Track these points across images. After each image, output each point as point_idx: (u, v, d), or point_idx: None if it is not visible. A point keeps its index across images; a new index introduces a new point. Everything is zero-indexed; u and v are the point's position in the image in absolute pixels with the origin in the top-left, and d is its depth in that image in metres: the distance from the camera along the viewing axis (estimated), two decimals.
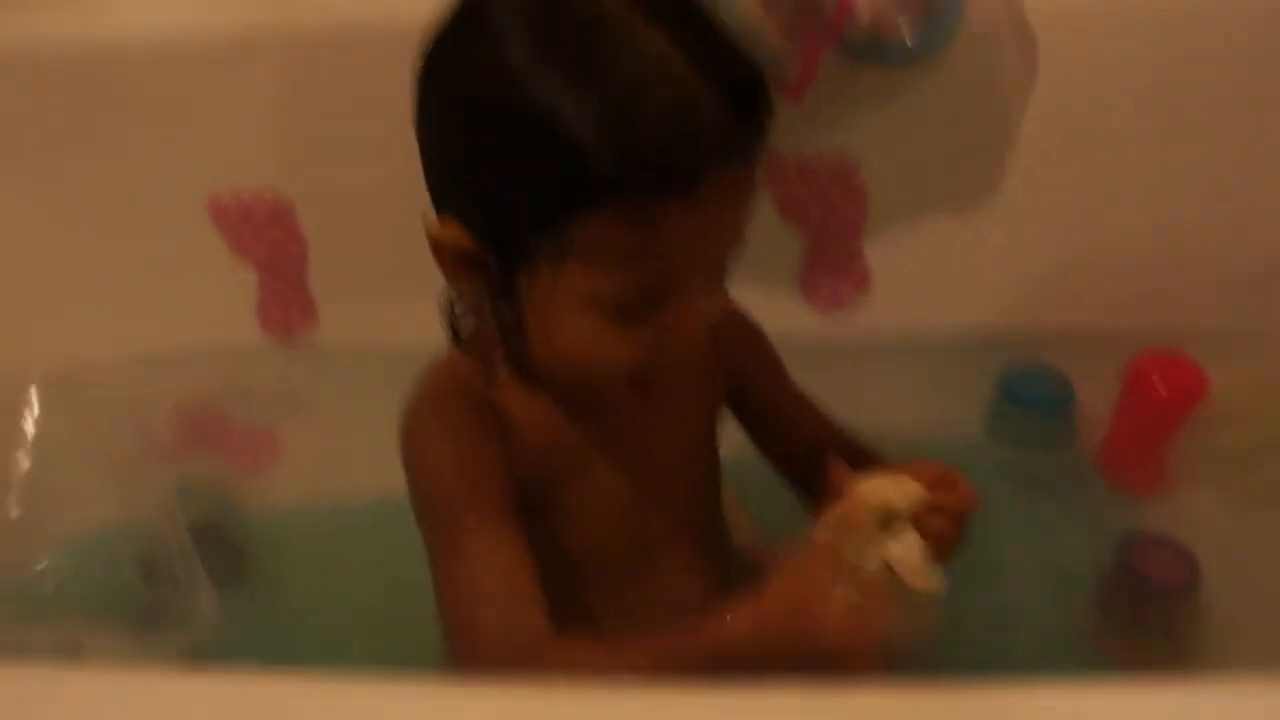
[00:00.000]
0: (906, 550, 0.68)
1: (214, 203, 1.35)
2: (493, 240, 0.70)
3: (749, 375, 0.90)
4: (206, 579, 1.07)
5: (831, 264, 1.33)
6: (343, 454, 1.26)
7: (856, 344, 1.34)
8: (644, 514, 0.84)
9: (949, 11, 1.11)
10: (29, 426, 1.20)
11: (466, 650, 0.73)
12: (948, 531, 0.71)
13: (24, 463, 1.19)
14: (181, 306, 1.38)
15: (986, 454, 1.24)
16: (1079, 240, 1.28)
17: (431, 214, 0.73)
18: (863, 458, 0.88)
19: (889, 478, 0.71)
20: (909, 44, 1.12)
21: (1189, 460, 1.17)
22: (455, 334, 0.80)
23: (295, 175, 1.34)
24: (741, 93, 0.66)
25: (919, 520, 0.69)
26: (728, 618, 0.68)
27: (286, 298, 1.39)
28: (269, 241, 1.37)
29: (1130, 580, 1.06)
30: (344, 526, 1.21)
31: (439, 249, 0.72)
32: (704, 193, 0.64)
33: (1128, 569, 1.06)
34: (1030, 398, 1.22)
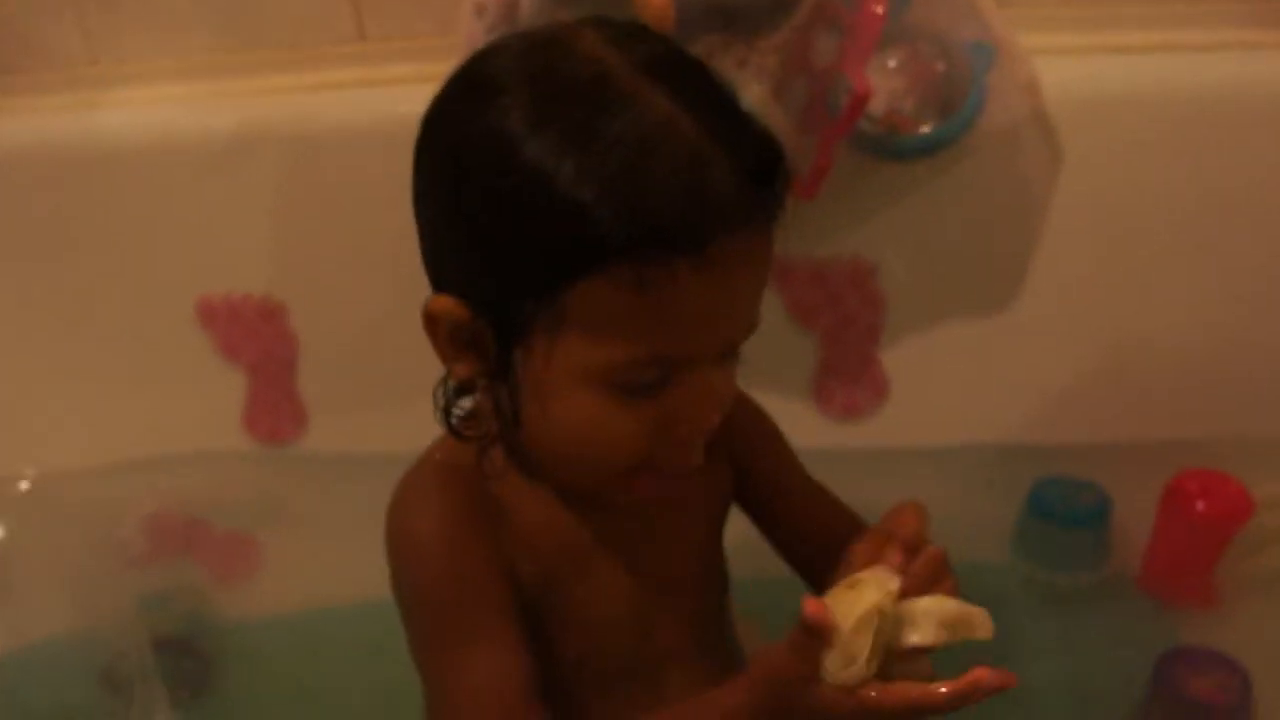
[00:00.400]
0: (934, 623, 0.61)
1: (203, 303, 1.32)
2: (489, 312, 0.65)
3: (758, 464, 0.84)
4: (165, 693, 1.02)
5: (847, 371, 1.28)
6: (326, 563, 1.20)
7: (872, 456, 1.28)
8: (648, 622, 0.78)
9: (967, 106, 1.07)
10: None
11: None
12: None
13: None
14: (165, 409, 1.33)
15: (1015, 572, 1.16)
16: (1110, 346, 1.23)
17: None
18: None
19: (846, 589, 0.62)
20: (926, 138, 1.08)
21: (1236, 578, 1.09)
22: (449, 419, 0.74)
23: (288, 276, 1.31)
24: (754, 156, 0.62)
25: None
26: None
27: (275, 404, 1.34)
28: (259, 344, 1.33)
29: (1171, 698, 0.98)
30: (324, 637, 1.16)
31: (433, 323, 0.67)
32: (714, 257, 0.59)
33: (1168, 685, 0.98)
34: (1062, 512, 1.14)
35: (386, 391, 1.18)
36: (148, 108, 1.30)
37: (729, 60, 1.03)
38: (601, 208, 0.58)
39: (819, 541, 0.82)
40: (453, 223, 0.66)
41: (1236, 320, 1.20)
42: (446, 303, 0.66)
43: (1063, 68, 1.13)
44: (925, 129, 1.08)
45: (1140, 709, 1.01)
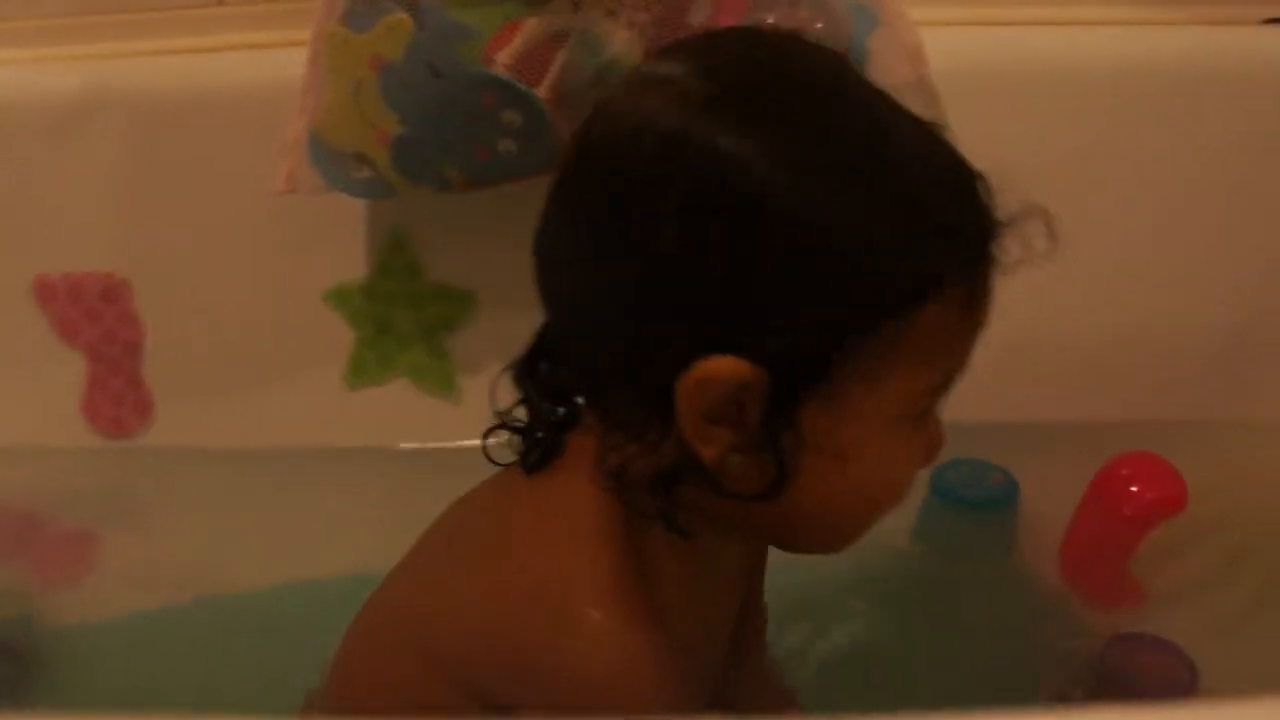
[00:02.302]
0: None
1: (40, 281, 1.22)
2: (783, 367, 0.55)
3: None
4: None
5: None
6: (169, 562, 1.11)
7: None
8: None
9: None
10: None
11: None
12: None
13: None
14: None
15: (915, 560, 1.09)
16: (1020, 320, 1.16)
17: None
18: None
19: None
20: None
21: (1160, 571, 1.03)
22: (538, 463, 0.64)
23: (133, 253, 1.21)
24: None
25: None
26: None
27: (118, 392, 1.24)
28: (101, 327, 1.23)
29: (1114, 688, 0.92)
30: (163, 637, 1.05)
31: (703, 391, 0.55)
32: (990, 275, 0.59)
33: (1110, 675, 0.93)
34: (967, 496, 1.08)
35: (240, 381, 1.10)
36: None
37: (598, 10, 0.97)
38: (930, 230, 0.56)
39: None
40: (724, 282, 0.54)
41: (1149, 295, 1.16)
42: (731, 364, 0.54)
43: (946, 40, 1.08)
44: None
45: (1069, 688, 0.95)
